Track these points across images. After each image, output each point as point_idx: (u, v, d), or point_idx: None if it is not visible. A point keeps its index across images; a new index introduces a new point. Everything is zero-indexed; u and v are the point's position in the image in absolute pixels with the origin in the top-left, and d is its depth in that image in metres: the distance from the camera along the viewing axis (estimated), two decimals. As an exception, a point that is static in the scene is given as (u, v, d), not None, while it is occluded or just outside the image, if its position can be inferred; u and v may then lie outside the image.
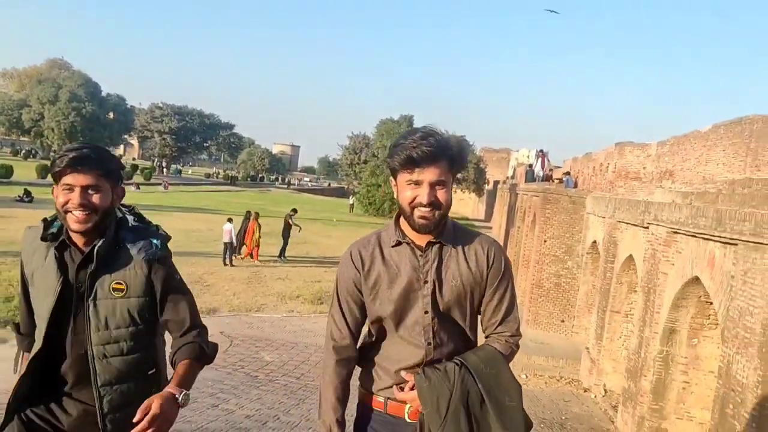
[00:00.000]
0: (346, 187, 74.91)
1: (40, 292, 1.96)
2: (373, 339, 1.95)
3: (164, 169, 78.84)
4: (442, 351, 1.85)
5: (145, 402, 1.75)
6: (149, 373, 2.05)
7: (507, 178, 56.78)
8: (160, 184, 52.92)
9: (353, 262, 1.91)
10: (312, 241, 23.20)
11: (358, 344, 1.99)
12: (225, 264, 16.09)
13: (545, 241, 12.38)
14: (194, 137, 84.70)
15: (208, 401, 6.19)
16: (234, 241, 16.63)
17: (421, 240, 1.86)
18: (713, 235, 5.61)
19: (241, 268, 16.03)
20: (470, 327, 1.91)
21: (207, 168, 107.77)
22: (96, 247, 1.91)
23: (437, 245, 1.85)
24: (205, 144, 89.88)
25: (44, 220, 2.01)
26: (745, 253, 4.98)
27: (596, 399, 9.15)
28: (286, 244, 18.32)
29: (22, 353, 2.18)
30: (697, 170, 11.61)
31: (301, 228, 19.54)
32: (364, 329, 2.01)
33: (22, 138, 73.58)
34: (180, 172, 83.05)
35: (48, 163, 54.68)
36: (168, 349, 2.08)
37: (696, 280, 6.18)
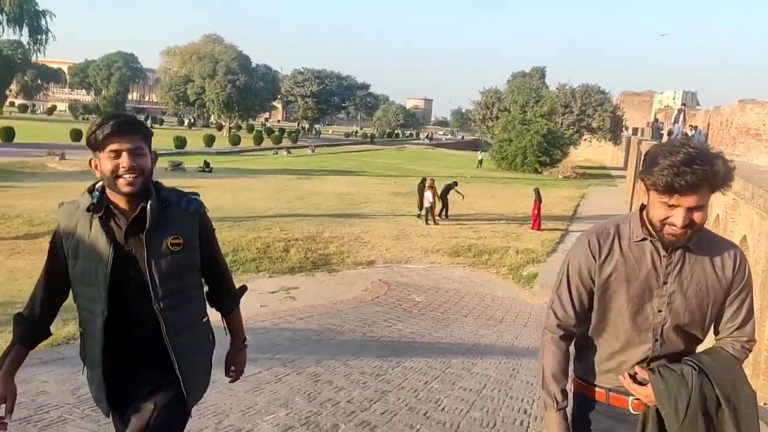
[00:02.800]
0: (479, 138, 76.20)
1: (90, 262, 2.00)
2: (596, 330, 1.95)
3: (308, 131, 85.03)
4: (667, 349, 1.87)
5: (230, 359, 2.40)
6: (203, 320, 2.21)
7: (649, 122, 54.90)
8: (307, 146, 57.82)
9: (590, 250, 1.91)
10: (450, 200, 25.68)
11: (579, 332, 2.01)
12: (427, 223, 19.42)
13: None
14: (333, 98, 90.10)
15: (383, 324, 9.06)
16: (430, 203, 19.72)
17: None
18: (759, 206, 7.24)
19: (392, 226, 18.89)
20: (702, 330, 1.91)
21: (345, 127, 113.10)
22: (148, 207, 1.99)
23: (682, 249, 1.84)
24: (343, 105, 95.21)
25: (89, 190, 2.06)
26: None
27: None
28: (445, 205, 20.76)
29: (15, 348, 2.10)
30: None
31: (464, 196, 21.75)
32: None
33: (186, 109, 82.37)
34: (320, 132, 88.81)
35: (213, 132, 62.08)
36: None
37: None
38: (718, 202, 10.06)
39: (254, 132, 66.00)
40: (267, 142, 61.20)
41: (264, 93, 74.41)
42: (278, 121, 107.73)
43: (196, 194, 2.18)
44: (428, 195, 19.68)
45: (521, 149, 41.63)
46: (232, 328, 2.38)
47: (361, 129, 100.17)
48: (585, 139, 52.20)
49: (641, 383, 1.85)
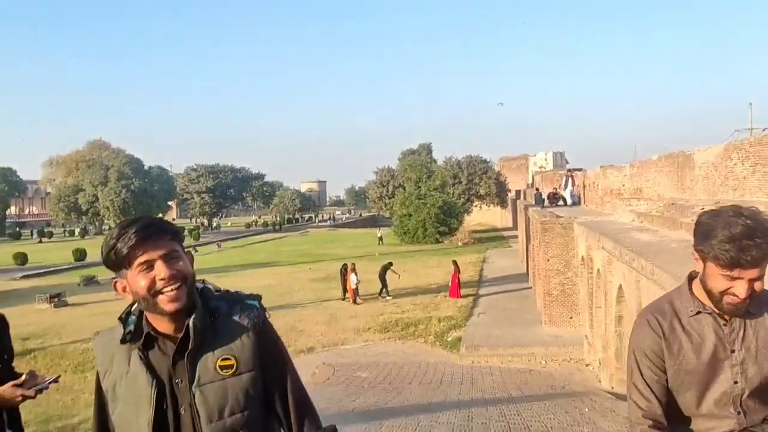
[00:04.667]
0: (377, 214, 79.47)
1: (129, 406, 1.63)
2: (679, 410, 1.90)
3: (207, 226, 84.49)
4: (752, 419, 1.84)
5: None
6: None
7: (528, 185, 60.16)
8: (212, 242, 57.71)
9: (653, 329, 1.87)
10: (363, 280, 27.30)
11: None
12: (354, 303, 21.13)
13: (548, 260, 16.29)
14: (229, 191, 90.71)
15: (347, 399, 10.32)
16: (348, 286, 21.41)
17: None
18: (626, 262, 9.49)
19: (321, 312, 20.14)
20: None
21: (243, 218, 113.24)
22: (191, 323, 1.61)
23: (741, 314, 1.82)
24: (240, 196, 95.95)
25: (120, 319, 1.70)
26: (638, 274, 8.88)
27: (592, 369, 13.00)
28: (384, 285, 22.31)
29: None
30: (654, 189, 15.45)
31: (399, 275, 23.49)
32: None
33: (77, 219, 79.42)
34: (220, 226, 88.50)
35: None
36: None
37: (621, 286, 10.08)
38: (596, 257, 12.46)
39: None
40: (169, 243, 60.39)
41: (160, 194, 74.01)
42: (173, 219, 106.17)
43: (257, 297, 1.82)
44: (353, 278, 21.25)
45: (421, 222, 44.52)
46: None
47: (260, 218, 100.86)
48: (475, 206, 56.40)
49: None
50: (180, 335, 1.62)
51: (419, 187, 47.86)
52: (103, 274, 33.47)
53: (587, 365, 13.52)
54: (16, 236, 76.26)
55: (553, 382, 12.13)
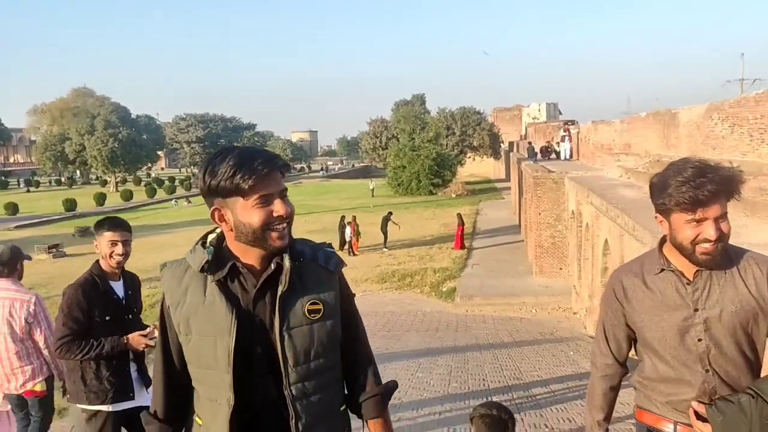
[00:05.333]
0: (370, 164, 79.58)
1: (206, 337, 1.61)
2: (649, 365, 1.96)
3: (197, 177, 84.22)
4: (721, 378, 1.82)
5: None
6: (342, 409, 1.78)
7: (521, 136, 60.32)
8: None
9: (615, 294, 1.97)
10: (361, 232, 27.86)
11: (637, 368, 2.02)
12: (350, 255, 21.69)
13: (540, 213, 16.90)
14: (220, 142, 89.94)
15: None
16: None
17: (689, 267, 1.84)
18: (611, 218, 10.06)
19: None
20: (752, 352, 1.85)
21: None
22: (286, 263, 1.60)
23: (707, 272, 1.83)
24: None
25: (202, 244, 1.67)
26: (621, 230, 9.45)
27: (578, 316, 13.79)
28: (385, 236, 23.05)
29: None
30: (642, 145, 15.94)
31: (399, 226, 24.22)
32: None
33: (64, 168, 78.93)
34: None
35: (98, 189, 59.95)
36: None
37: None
38: (585, 212, 13.03)
39: (146, 185, 64.98)
40: (160, 193, 60.55)
41: (149, 144, 73.38)
42: (162, 169, 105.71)
43: (330, 245, 1.81)
44: (348, 230, 21.83)
45: (415, 174, 44.89)
46: (369, 422, 1.81)
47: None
48: (469, 157, 56.72)
49: (705, 418, 1.79)
50: (265, 273, 1.61)
51: (413, 138, 48.02)
52: (89, 223, 33.78)
53: (575, 313, 14.30)
54: (3, 185, 75.90)
55: (542, 329, 12.89)
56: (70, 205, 46.40)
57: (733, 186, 1.74)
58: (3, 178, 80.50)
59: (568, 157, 25.30)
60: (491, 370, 8.45)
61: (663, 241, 1.93)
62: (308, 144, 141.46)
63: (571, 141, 25.93)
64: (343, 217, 23.31)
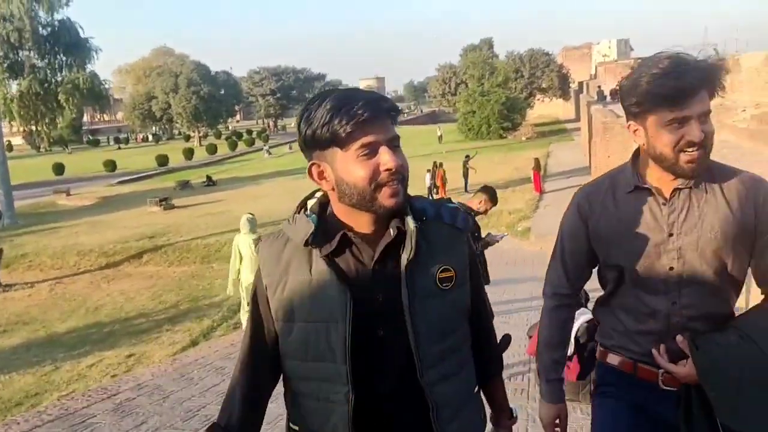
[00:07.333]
0: (437, 109, 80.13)
1: (315, 324, 1.31)
2: (612, 294, 1.73)
3: (274, 129, 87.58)
4: (690, 312, 1.59)
5: None
6: (476, 391, 1.50)
7: (591, 76, 59.33)
8: (282, 144, 60.54)
9: (580, 213, 1.71)
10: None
11: (601, 293, 1.79)
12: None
13: (609, 156, 17.88)
14: (292, 93, 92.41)
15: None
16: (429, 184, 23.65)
17: (667, 185, 1.57)
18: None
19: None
20: (730, 284, 1.61)
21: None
22: (410, 226, 1.29)
23: (686, 191, 1.56)
24: (303, 97, 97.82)
25: (302, 209, 1.39)
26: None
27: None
28: (466, 180, 24.66)
29: None
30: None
31: (476, 171, 25.40)
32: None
33: (150, 125, 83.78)
34: (285, 127, 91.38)
35: (182, 144, 63.89)
36: None
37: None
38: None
39: (227, 138, 68.52)
40: (241, 146, 64.04)
41: (228, 99, 76.60)
42: (237, 122, 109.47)
43: (450, 200, 1.35)
44: (427, 177, 23.51)
45: (485, 119, 45.61)
46: (496, 399, 1.62)
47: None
48: (538, 99, 56.61)
49: (675, 358, 1.58)
50: (383, 240, 1.29)
51: (482, 84, 48.47)
52: (194, 177, 36.58)
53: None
54: (94, 143, 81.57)
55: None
56: (163, 160, 49.68)
57: (719, 75, 1.48)
58: (90, 137, 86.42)
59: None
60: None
61: (636, 155, 1.66)
62: (377, 91, 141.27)
63: None
64: (434, 163, 24.71)
